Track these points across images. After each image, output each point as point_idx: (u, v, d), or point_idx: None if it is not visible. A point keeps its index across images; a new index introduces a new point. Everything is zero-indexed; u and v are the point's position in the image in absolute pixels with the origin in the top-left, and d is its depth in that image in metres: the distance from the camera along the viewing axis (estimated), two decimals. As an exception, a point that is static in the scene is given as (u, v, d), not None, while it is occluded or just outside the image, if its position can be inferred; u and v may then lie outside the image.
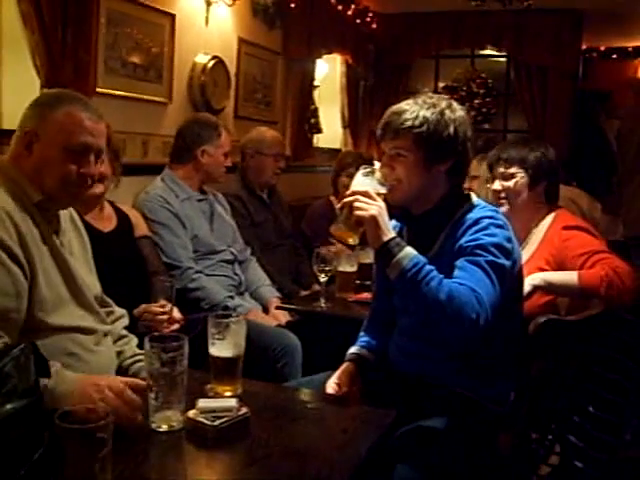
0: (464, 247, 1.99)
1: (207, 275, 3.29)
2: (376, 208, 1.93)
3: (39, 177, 1.89)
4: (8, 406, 1.25)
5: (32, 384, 1.32)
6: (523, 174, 2.70)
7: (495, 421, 2.12)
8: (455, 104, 2.12)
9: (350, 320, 3.07)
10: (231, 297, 3.27)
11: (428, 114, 2.05)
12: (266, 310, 3.47)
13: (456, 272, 1.94)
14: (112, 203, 2.90)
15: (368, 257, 3.36)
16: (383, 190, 2.02)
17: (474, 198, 2.17)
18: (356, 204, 1.93)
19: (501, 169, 2.74)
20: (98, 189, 2.74)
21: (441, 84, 8.00)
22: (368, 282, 3.34)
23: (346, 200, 1.98)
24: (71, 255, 2.01)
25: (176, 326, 2.43)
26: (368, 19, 6.80)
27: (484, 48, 7.41)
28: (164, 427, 1.62)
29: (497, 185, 2.75)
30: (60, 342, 1.87)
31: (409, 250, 1.92)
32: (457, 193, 2.17)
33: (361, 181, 2.03)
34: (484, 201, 2.19)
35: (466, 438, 2.00)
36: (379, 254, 1.96)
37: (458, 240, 2.02)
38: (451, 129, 2.05)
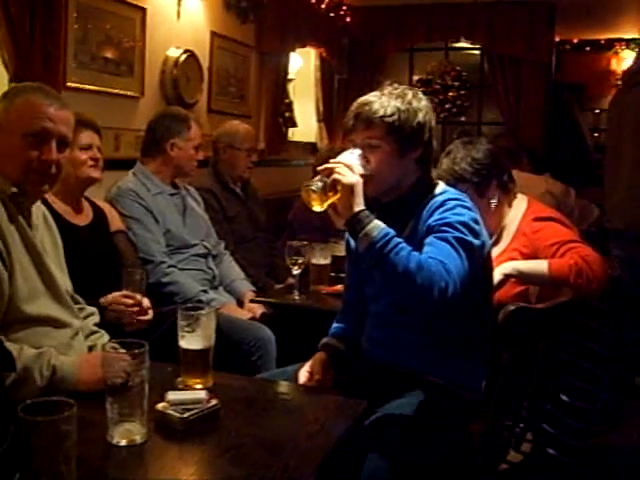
0: (432, 226, 2.01)
1: (180, 269, 3.27)
2: (356, 177, 1.95)
3: (6, 167, 1.90)
4: (-29, 400, 1.24)
5: (-5, 378, 1.31)
6: (470, 188, 2.65)
7: (467, 409, 2.13)
8: (420, 93, 2.16)
9: (324, 312, 3.07)
10: (205, 291, 3.25)
11: (398, 103, 2.07)
12: (241, 304, 3.46)
13: (425, 248, 1.96)
14: (87, 198, 2.88)
15: (341, 250, 3.36)
16: (363, 171, 2.03)
17: (442, 185, 2.20)
18: (338, 169, 1.95)
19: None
20: (96, 173, 2.73)
21: (415, 77, 8.03)
22: (342, 274, 3.33)
23: (329, 165, 1.99)
24: (44, 251, 2.00)
25: (148, 317, 2.40)
26: (342, 12, 6.80)
27: (458, 41, 7.43)
28: (123, 442, 1.53)
29: None
30: (35, 336, 1.86)
31: (378, 222, 1.93)
32: (426, 180, 2.19)
33: (347, 156, 2.03)
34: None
35: (437, 426, 2.01)
36: (349, 224, 1.95)
37: (426, 221, 2.05)
38: (420, 117, 2.09)
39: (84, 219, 2.79)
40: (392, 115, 2.05)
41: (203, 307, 1.95)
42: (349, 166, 1.97)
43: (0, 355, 1.36)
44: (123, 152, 4.00)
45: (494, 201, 2.68)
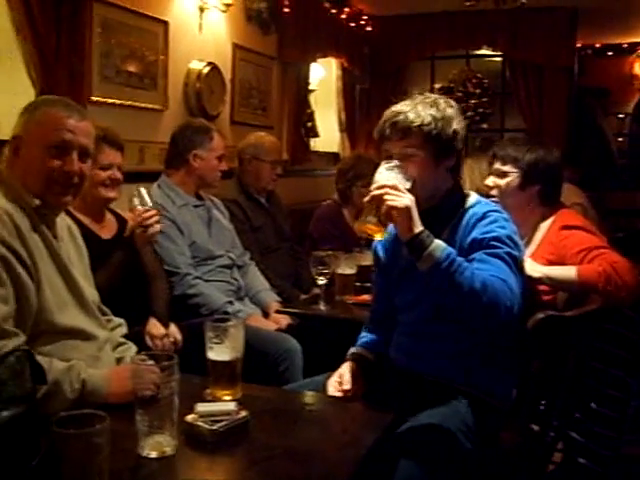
0: (479, 240, 2.02)
1: (206, 281, 3.28)
2: (408, 198, 1.92)
3: (29, 180, 1.92)
4: (5, 413, 1.25)
5: (28, 391, 1.32)
6: (516, 174, 2.67)
7: (497, 417, 2.11)
8: (451, 101, 2.17)
9: (350, 322, 3.07)
10: (230, 302, 3.25)
11: (433, 112, 2.07)
12: (266, 315, 3.46)
13: (479, 265, 1.95)
14: (112, 210, 2.90)
15: (366, 259, 3.36)
16: (408, 185, 2.00)
17: (474, 195, 2.21)
18: (387, 196, 1.91)
19: (496, 165, 2.73)
20: (112, 193, 2.75)
21: (437, 85, 8.01)
22: (367, 284, 3.33)
23: (375, 193, 1.95)
24: (70, 262, 2.02)
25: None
26: (362, 22, 6.81)
27: (479, 48, 7.40)
28: (154, 454, 1.53)
29: (489, 181, 2.74)
30: (64, 349, 1.87)
31: (439, 242, 1.92)
32: (458, 191, 2.20)
33: (386, 175, 2.00)
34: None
35: (467, 435, 1.99)
36: (411, 246, 1.93)
37: (469, 234, 2.05)
38: (454, 125, 2.10)
39: (109, 231, 2.81)
40: (429, 124, 2.06)
41: (230, 319, 1.95)
42: (395, 187, 1.94)
43: (32, 368, 1.36)
44: (148, 164, 4.03)
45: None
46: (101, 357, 1.99)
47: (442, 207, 2.16)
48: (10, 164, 1.94)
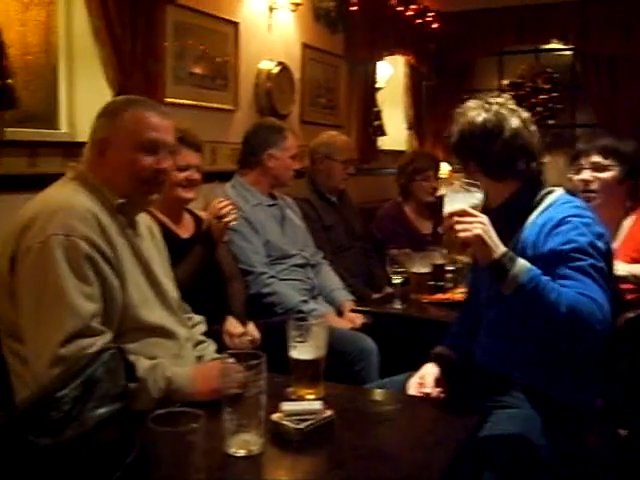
0: (558, 251, 1.95)
1: (280, 280, 3.29)
2: (479, 226, 1.85)
3: (116, 180, 1.93)
4: (100, 410, 1.26)
5: (122, 388, 1.33)
6: (618, 167, 2.58)
7: (581, 422, 2.06)
8: (510, 101, 2.17)
9: (425, 322, 3.05)
10: (305, 301, 3.26)
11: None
12: (340, 313, 3.45)
13: (564, 282, 1.89)
14: (189, 210, 2.93)
15: (441, 258, 3.32)
16: (478, 201, 1.95)
17: (557, 192, 2.13)
18: (457, 227, 1.86)
19: (595, 159, 2.63)
20: (190, 194, 2.77)
21: (505, 81, 7.88)
22: (441, 283, 3.30)
23: (446, 224, 1.91)
24: (151, 259, 2.04)
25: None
26: (429, 18, 6.76)
27: (549, 42, 7.25)
28: (241, 452, 1.52)
29: (585, 175, 2.65)
30: (147, 347, 1.89)
31: (522, 263, 1.87)
32: (532, 188, 2.14)
33: (453, 198, 1.95)
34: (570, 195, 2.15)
35: (554, 443, 1.94)
36: (492, 271, 1.90)
37: (545, 241, 1.99)
38: (512, 124, 2.10)
39: (187, 231, 2.84)
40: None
41: (311, 318, 1.94)
42: (464, 213, 1.88)
43: (124, 365, 1.37)
44: (220, 165, 4.06)
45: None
46: (183, 355, 2.01)
47: (513, 205, 2.13)
48: (94, 165, 1.95)
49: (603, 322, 1.82)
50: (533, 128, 2.11)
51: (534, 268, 1.87)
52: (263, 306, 3.14)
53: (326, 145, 4.06)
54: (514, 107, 2.12)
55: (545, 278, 1.86)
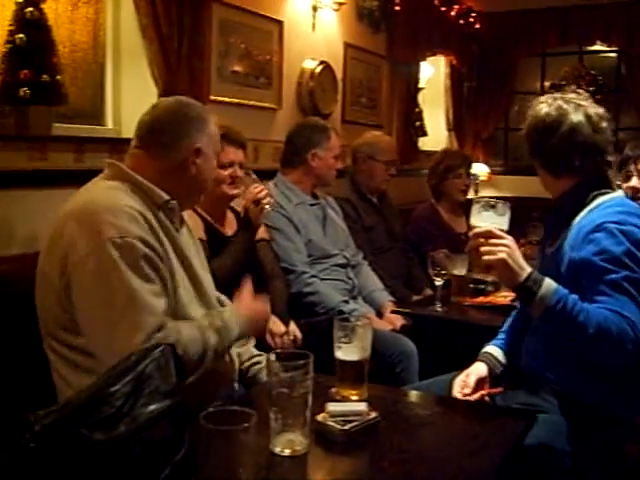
0: (591, 262, 1.91)
1: (321, 279, 3.29)
2: (504, 249, 1.81)
3: (197, 186, 2.03)
4: (151, 407, 1.26)
5: (173, 385, 1.33)
6: None
7: (620, 430, 2.03)
8: (560, 103, 2.12)
9: (466, 325, 3.02)
10: (346, 302, 3.25)
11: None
12: (379, 314, 3.44)
13: (597, 297, 1.86)
14: (232, 207, 2.94)
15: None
16: (504, 222, 1.90)
17: (612, 195, 2.08)
18: (482, 249, 1.83)
19: None
20: (234, 191, 2.79)
21: (547, 83, 7.79)
22: (482, 286, 3.27)
23: (470, 244, 1.88)
24: (190, 255, 2.05)
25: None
26: (471, 19, 6.71)
27: (593, 44, 7.16)
28: (286, 452, 1.52)
29: (636, 182, 2.62)
30: None
31: (548, 284, 1.83)
32: (584, 188, 2.09)
33: (478, 218, 1.91)
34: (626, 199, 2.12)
35: (592, 450, 1.92)
36: (518, 295, 1.89)
37: (579, 248, 1.96)
38: (568, 122, 2.06)
39: (230, 228, 2.86)
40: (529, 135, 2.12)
41: (355, 318, 1.94)
42: (489, 234, 1.84)
43: (174, 362, 1.38)
44: (262, 163, 4.07)
45: None
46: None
47: (563, 202, 2.10)
48: (147, 166, 1.96)
49: (634, 341, 1.77)
50: (602, 125, 2.05)
51: (560, 288, 1.83)
52: (304, 305, 3.13)
53: (369, 145, 4.05)
54: (583, 103, 2.07)
55: (573, 298, 1.82)
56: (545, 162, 2.11)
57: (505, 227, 1.88)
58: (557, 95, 2.11)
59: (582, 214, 2.05)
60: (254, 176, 2.86)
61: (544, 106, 2.09)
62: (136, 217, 1.81)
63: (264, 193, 2.80)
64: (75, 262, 1.76)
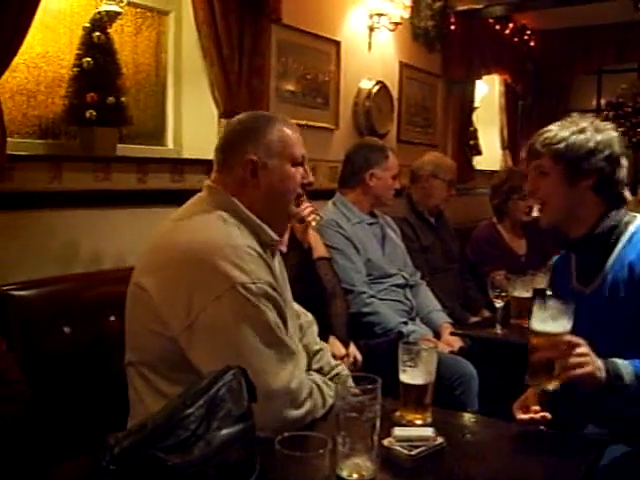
0: None
1: (380, 300, 3.28)
2: (589, 361, 1.76)
3: (265, 202, 1.89)
4: (225, 431, 1.27)
5: (245, 409, 1.34)
6: None
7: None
8: (600, 122, 2.10)
9: (526, 347, 2.97)
10: (405, 323, 3.23)
11: (567, 132, 2.05)
12: (437, 336, 3.41)
13: None
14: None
15: (542, 282, 3.24)
16: (568, 323, 1.82)
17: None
18: (571, 360, 1.75)
19: None
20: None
21: (603, 101, 7.68)
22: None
23: (543, 355, 1.81)
24: (284, 281, 2.02)
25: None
26: (526, 37, 6.68)
27: (651, 60, 7.06)
28: (354, 476, 1.47)
29: None
30: None
31: (626, 370, 1.80)
32: (616, 215, 2.05)
33: (541, 319, 1.85)
34: None
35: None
36: (603, 392, 1.83)
37: (628, 279, 1.92)
38: (591, 144, 2.02)
39: (285, 245, 2.85)
40: (558, 143, 2.04)
41: (420, 342, 1.93)
42: (570, 343, 1.77)
43: (247, 386, 1.38)
44: (319, 182, 4.08)
45: None
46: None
47: (596, 237, 2.04)
48: (238, 188, 1.89)
49: None
50: (607, 152, 2.03)
51: (637, 364, 1.80)
52: (362, 326, 3.12)
53: (433, 164, 4.04)
54: (601, 127, 2.06)
55: None
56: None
57: (569, 327, 1.81)
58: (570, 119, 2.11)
59: (620, 245, 2.01)
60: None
61: (559, 131, 2.08)
62: (258, 259, 1.77)
63: (308, 210, 2.77)
64: (204, 305, 1.69)
